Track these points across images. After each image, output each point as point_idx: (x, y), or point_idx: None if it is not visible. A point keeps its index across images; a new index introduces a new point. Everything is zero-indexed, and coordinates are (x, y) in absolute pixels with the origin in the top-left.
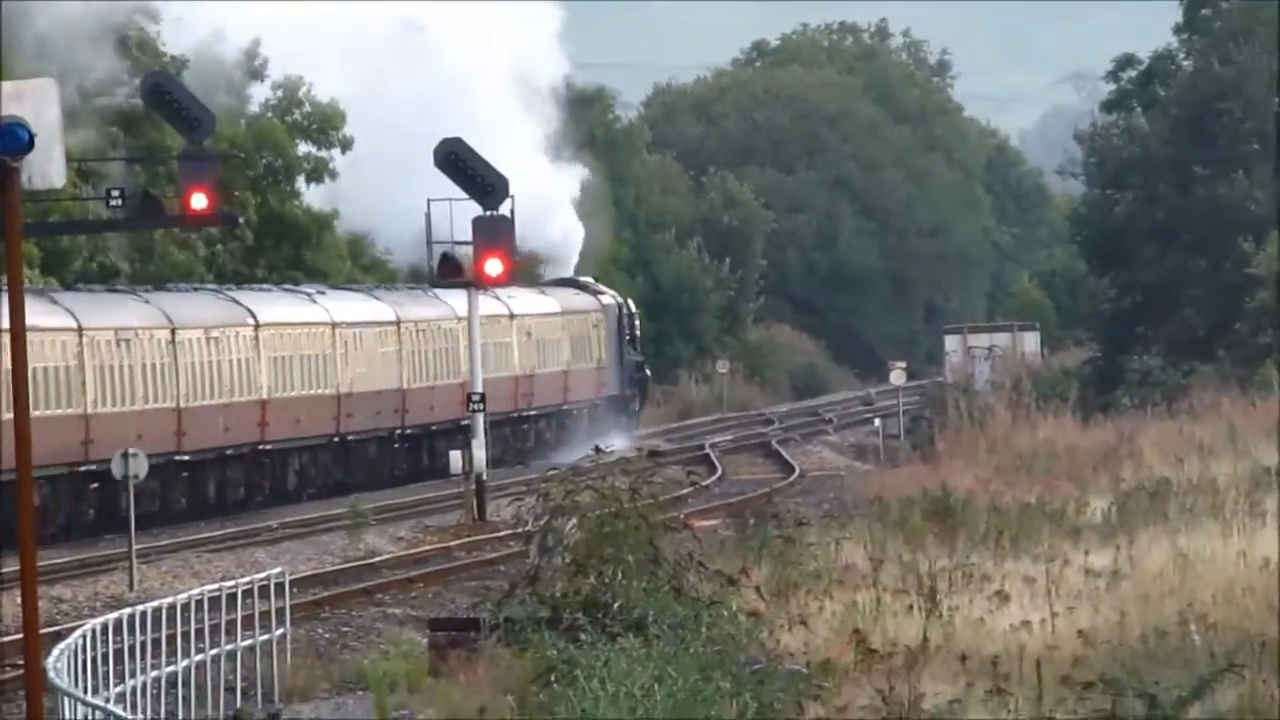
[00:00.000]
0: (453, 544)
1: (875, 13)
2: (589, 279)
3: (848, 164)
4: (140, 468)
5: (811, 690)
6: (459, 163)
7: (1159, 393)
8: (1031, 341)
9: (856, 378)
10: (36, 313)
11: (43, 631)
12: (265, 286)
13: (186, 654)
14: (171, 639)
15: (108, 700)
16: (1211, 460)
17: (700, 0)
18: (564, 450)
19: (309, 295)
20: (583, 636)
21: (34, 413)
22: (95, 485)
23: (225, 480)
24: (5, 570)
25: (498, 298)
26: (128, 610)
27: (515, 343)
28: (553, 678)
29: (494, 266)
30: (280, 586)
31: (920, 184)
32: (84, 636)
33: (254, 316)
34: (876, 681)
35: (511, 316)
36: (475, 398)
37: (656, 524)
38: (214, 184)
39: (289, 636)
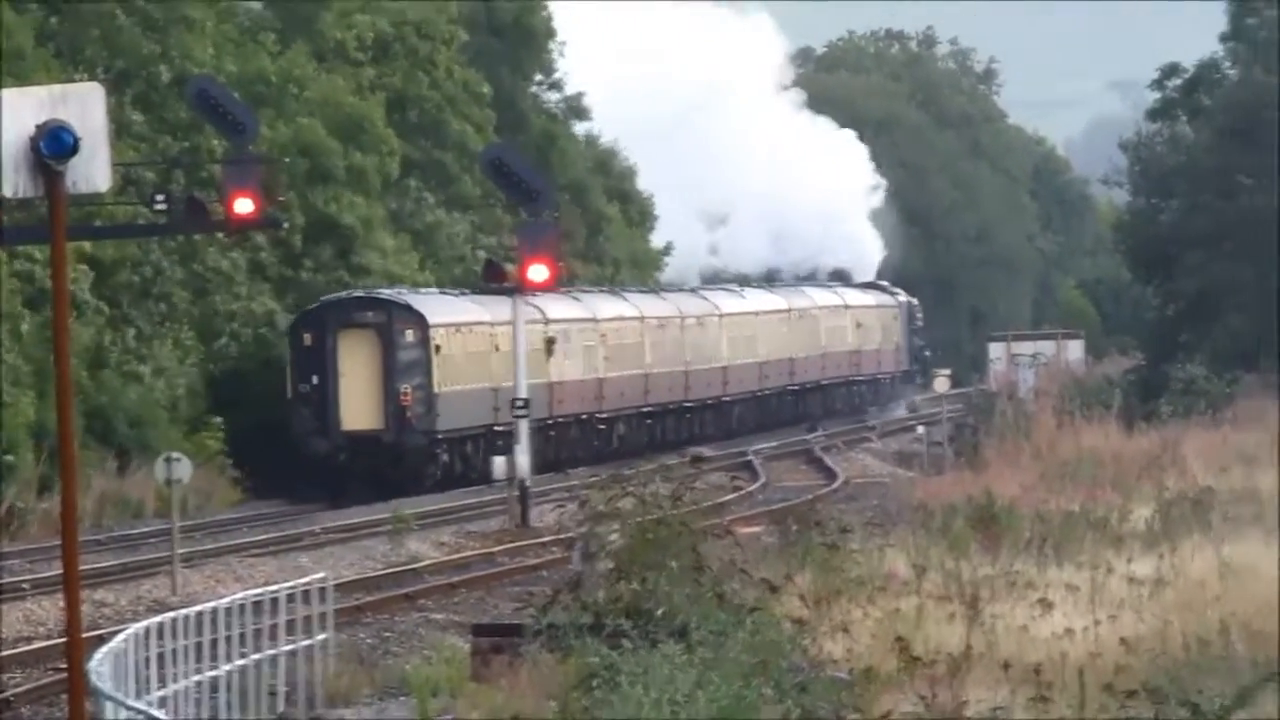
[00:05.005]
0: (495, 550)
1: (922, 19)
2: (885, 282)
3: (893, 170)
4: (184, 472)
5: (854, 698)
6: (504, 168)
7: (1203, 401)
8: (1076, 349)
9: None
10: (616, 306)
11: (85, 635)
12: (727, 286)
13: (229, 658)
14: (214, 643)
15: (150, 704)
16: (1255, 469)
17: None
18: (876, 408)
19: (739, 293)
20: (625, 643)
21: (618, 374)
22: (650, 421)
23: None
24: (49, 574)
25: (836, 293)
26: (170, 614)
27: (849, 327)
28: (595, 683)
29: (539, 272)
30: (323, 591)
31: (966, 190)
32: (127, 640)
33: (718, 308)
34: (919, 689)
35: (846, 307)
36: (519, 404)
37: (699, 530)
38: (258, 188)
39: (331, 641)
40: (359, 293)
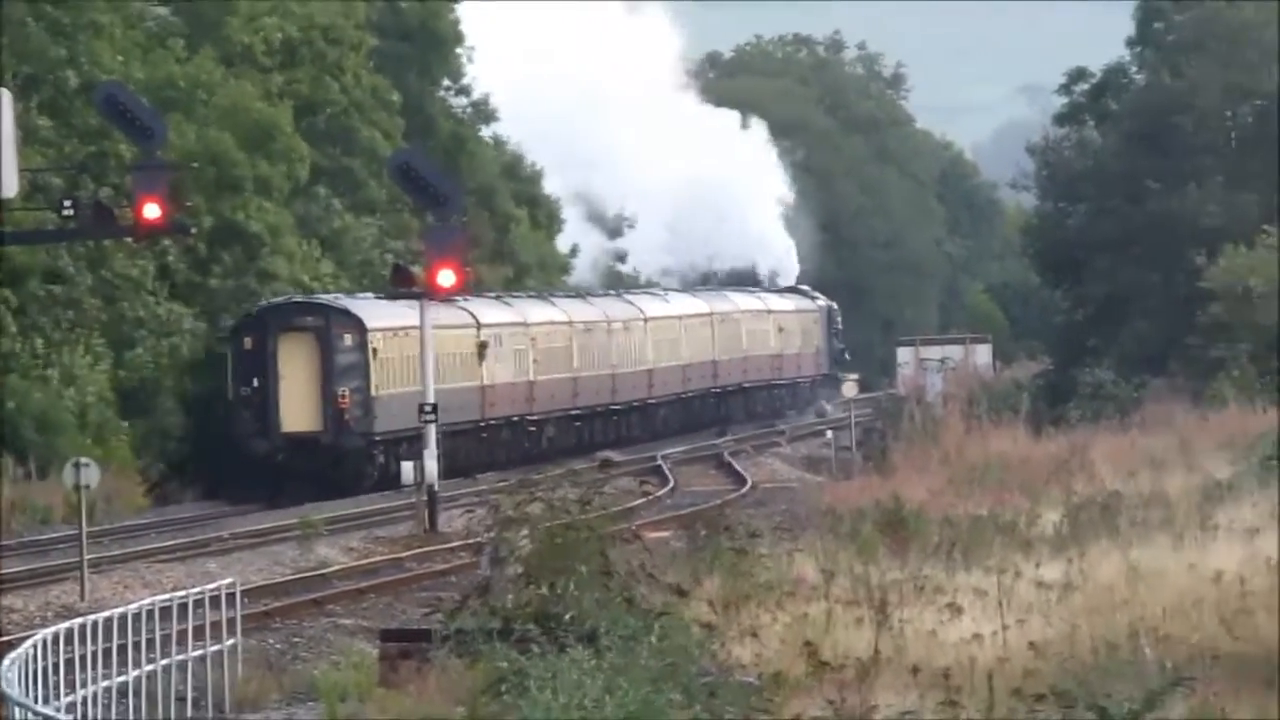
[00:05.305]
0: (404, 555)
1: (830, 23)
2: (807, 287)
3: (801, 175)
4: (92, 478)
5: (763, 702)
6: (412, 173)
7: (1111, 405)
8: (984, 354)
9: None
10: (545, 310)
11: None
12: (652, 290)
13: (138, 664)
14: (123, 649)
15: (59, 710)
16: (1163, 473)
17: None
18: (795, 411)
19: (663, 297)
20: (534, 648)
21: (548, 377)
22: (578, 423)
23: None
24: None
25: (760, 299)
26: (79, 620)
27: (771, 332)
28: (503, 688)
29: (446, 277)
30: (231, 597)
31: (874, 195)
32: (35, 646)
33: (643, 312)
34: (828, 694)
35: (770, 312)
36: (427, 409)
37: (607, 535)
38: (166, 194)
39: (240, 647)
40: (299, 298)
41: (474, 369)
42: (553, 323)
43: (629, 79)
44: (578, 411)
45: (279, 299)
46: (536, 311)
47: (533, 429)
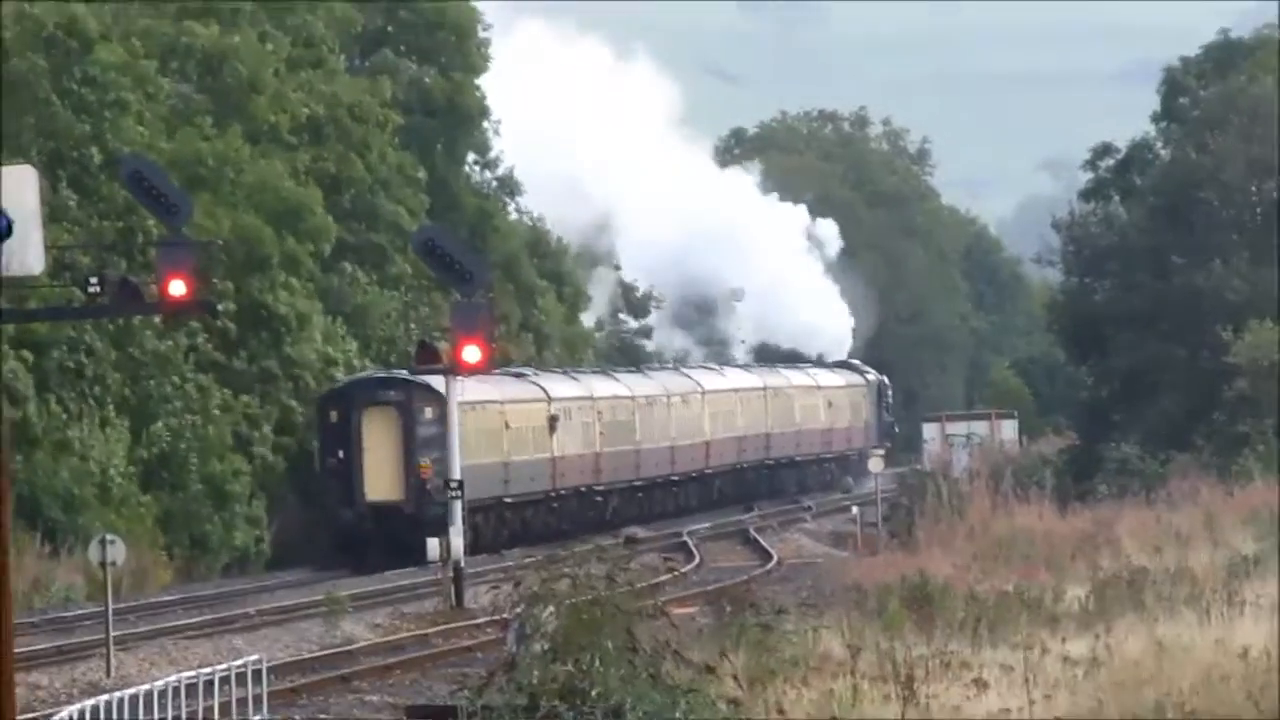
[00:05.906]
0: (430, 631)
1: (855, 99)
2: (857, 361)
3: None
4: (118, 554)
5: None
6: (436, 250)
7: (1137, 481)
8: (1009, 429)
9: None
10: (610, 385)
11: (20, 718)
12: (708, 365)
13: None
14: None
15: None
16: (1188, 548)
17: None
18: (842, 483)
19: (719, 371)
20: None
21: (613, 449)
22: (640, 493)
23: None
24: None
25: (810, 375)
26: (105, 697)
27: (820, 406)
28: None
29: (472, 354)
30: (258, 673)
31: (898, 270)
32: None
33: (700, 386)
34: None
35: (819, 388)
36: (454, 484)
37: (633, 611)
38: (192, 271)
39: None
40: (381, 373)
41: (545, 441)
42: (617, 397)
43: (626, 133)
44: (640, 482)
45: (362, 374)
46: (602, 386)
47: (599, 499)
